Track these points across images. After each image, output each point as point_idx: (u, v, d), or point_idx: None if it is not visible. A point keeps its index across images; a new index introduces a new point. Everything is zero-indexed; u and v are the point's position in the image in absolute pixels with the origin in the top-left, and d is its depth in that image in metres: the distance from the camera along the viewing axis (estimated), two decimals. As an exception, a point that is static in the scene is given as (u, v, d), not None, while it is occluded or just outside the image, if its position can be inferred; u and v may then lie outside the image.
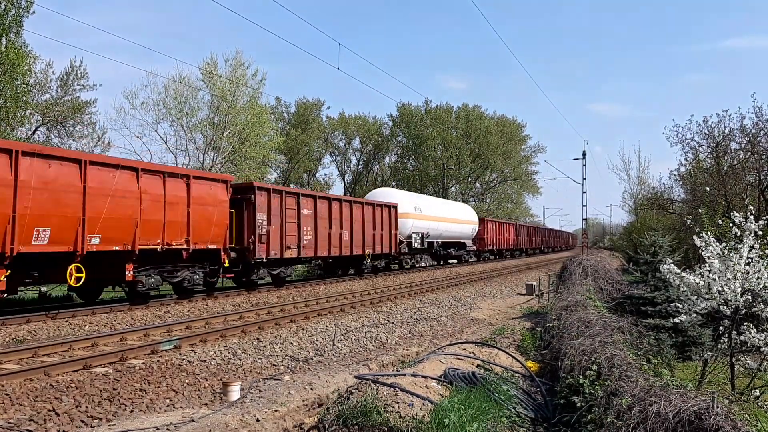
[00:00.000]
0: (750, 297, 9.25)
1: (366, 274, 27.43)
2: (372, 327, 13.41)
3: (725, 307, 9.31)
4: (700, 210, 14.51)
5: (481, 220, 45.43)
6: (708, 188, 22.32)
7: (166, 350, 10.13)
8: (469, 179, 68.23)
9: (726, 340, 9.79)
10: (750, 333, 9.16)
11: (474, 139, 65.03)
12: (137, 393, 7.68)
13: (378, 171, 70.12)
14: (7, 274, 12.02)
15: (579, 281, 18.39)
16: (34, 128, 30.15)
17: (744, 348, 9.68)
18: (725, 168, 23.45)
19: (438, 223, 35.48)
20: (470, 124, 65.46)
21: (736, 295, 9.23)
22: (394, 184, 66.55)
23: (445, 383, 7.59)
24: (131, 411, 7.04)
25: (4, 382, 7.70)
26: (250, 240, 19.08)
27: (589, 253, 38.82)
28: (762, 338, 9.10)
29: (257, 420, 6.10)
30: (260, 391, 6.99)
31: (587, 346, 7.97)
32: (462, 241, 40.84)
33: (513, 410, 7.12)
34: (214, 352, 10.24)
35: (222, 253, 17.61)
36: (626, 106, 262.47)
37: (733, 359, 9.73)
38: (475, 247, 43.68)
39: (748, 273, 9.24)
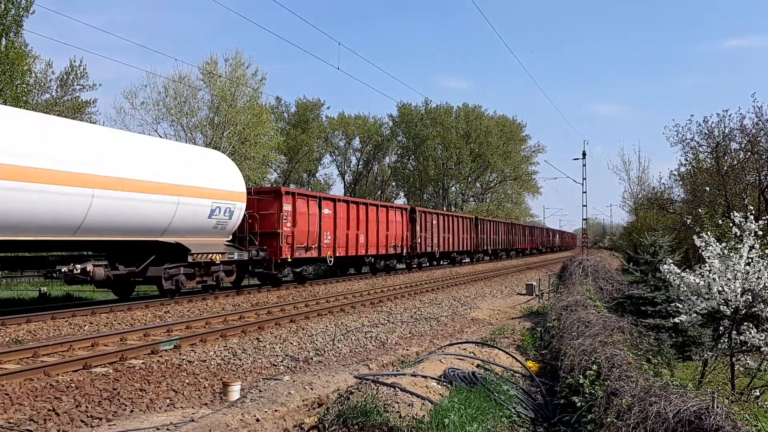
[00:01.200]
0: (750, 297, 9.26)
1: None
2: (372, 327, 13.41)
3: (725, 307, 9.32)
4: (700, 210, 14.53)
5: (272, 194, 21.16)
6: (708, 188, 22.32)
7: (166, 350, 10.12)
8: (469, 179, 68.24)
9: (726, 340, 9.80)
10: (750, 333, 9.17)
11: (474, 139, 65.03)
12: (137, 393, 7.68)
13: (378, 171, 70.17)
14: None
15: (579, 281, 18.40)
16: (34, 128, 30.13)
17: (744, 348, 9.68)
18: (725, 168, 23.45)
19: None
20: (470, 124, 65.48)
21: (736, 295, 9.24)
22: None
23: (445, 383, 7.59)
24: (131, 411, 7.04)
25: (4, 382, 7.70)
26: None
27: (589, 253, 38.82)
28: (762, 338, 9.10)
29: (257, 420, 6.10)
30: (260, 391, 6.98)
31: (587, 346, 7.97)
32: (169, 240, 16.61)
33: (513, 410, 7.12)
34: (214, 352, 10.23)
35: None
36: (626, 106, 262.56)
37: (733, 359, 9.74)
38: (238, 256, 18.82)
39: (748, 273, 9.25)
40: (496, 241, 50.06)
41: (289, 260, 21.16)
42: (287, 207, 20.97)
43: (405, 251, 31.59)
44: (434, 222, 35.57)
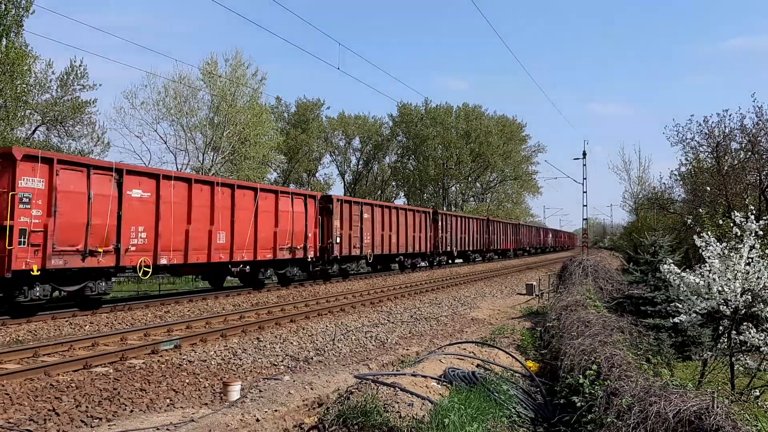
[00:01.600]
0: (750, 297, 9.26)
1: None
2: (372, 327, 13.41)
3: (725, 307, 9.32)
4: (700, 210, 14.52)
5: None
6: (708, 188, 22.30)
7: (166, 350, 10.13)
8: (469, 179, 68.25)
9: (726, 340, 9.81)
10: (750, 333, 9.17)
11: (474, 138, 65.05)
12: (137, 393, 7.69)
13: (378, 171, 70.19)
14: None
15: (579, 281, 18.37)
16: (33, 128, 30.18)
17: (744, 348, 9.68)
18: (726, 168, 23.42)
19: None
20: (470, 124, 65.50)
21: (736, 295, 9.23)
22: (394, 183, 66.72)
23: (445, 383, 7.59)
24: (131, 411, 7.05)
25: (4, 381, 7.70)
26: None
27: (589, 253, 38.80)
28: (762, 338, 9.11)
29: (257, 420, 6.10)
30: (260, 391, 6.98)
31: (587, 346, 7.97)
32: None
33: (513, 410, 7.13)
34: (215, 351, 10.24)
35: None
36: (626, 106, 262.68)
37: (733, 359, 9.74)
38: None
39: (748, 273, 9.25)
40: (465, 242, 41.28)
41: (36, 272, 12.83)
42: (32, 182, 12.94)
43: (312, 255, 23.38)
44: (365, 215, 27.72)
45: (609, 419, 5.44)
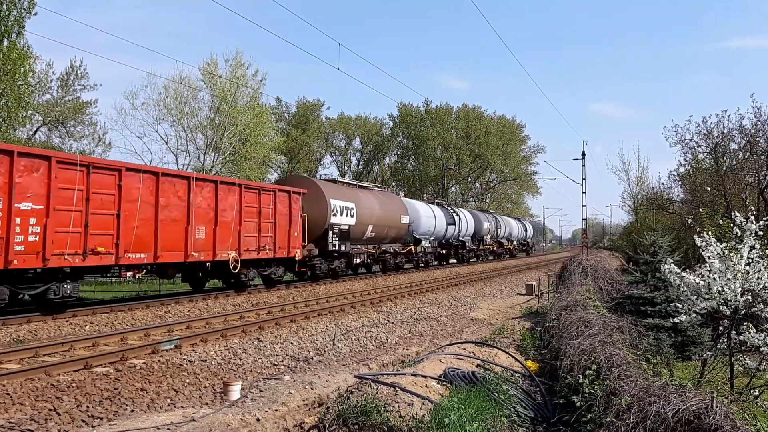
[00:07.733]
0: (750, 297, 9.26)
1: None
2: (372, 327, 13.42)
3: (725, 307, 9.32)
4: (700, 210, 14.52)
5: None
6: (709, 188, 22.31)
7: (166, 350, 10.14)
8: (469, 179, 68.28)
9: (725, 340, 9.81)
10: (749, 333, 9.17)
11: (474, 139, 65.09)
12: (138, 392, 7.70)
13: (378, 171, 70.23)
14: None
15: (579, 281, 18.40)
16: (35, 129, 30.23)
17: (743, 348, 9.69)
18: (724, 168, 23.44)
19: None
20: (470, 125, 65.55)
21: (735, 295, 9.24)
22: (393, 183, 66.75)
23: (445, 383, 7.61)
24: (132, 410, 7.06)
25: (5, 381, 7.71)
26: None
27: (589, 253, 38.79)
28: (761, 338, 9.10)
29: (258, 419, 6.12)
30: (261, 391, 7.01)
31: (587, 346, 7.99)
32: None
33: (513, 410, 7.14)
34: (215, 351, 10.25)
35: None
36: (626, 106, 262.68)
37: (733, 359, 9.75)
38: None
39: (748, 273, 9.25)
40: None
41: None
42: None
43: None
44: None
45: (608, 419, 5.45)
